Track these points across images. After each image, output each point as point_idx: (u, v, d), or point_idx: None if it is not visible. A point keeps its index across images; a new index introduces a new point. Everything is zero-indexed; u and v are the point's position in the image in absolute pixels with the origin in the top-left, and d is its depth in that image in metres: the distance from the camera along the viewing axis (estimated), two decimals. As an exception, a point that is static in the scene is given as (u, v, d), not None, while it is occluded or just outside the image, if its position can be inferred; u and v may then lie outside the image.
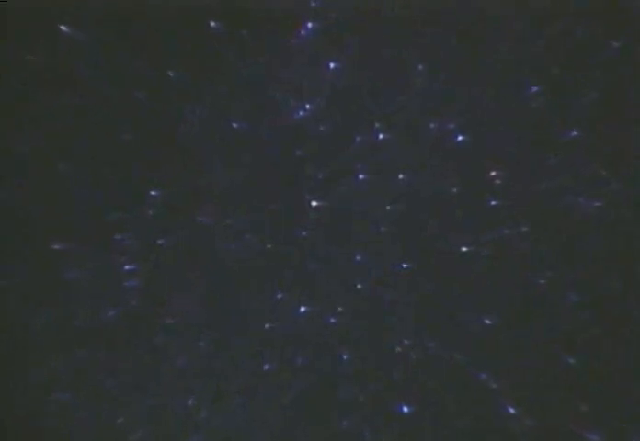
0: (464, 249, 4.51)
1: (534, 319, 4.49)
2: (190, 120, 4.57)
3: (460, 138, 4.47)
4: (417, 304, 4.58)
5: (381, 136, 4.51)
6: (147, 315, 4.66)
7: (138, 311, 4.64)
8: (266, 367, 4.57)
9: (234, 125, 4.55)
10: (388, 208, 4.54)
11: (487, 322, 4.51)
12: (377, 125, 4.50)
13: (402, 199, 4.55)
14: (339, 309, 4.55)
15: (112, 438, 4.56)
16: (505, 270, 4.50)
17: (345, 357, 4.51)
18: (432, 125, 4.49)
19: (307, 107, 4.50)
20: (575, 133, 4.40)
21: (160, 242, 4.61)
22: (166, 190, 4.61)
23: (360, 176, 4.54)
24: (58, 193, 4.57)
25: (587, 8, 4.31)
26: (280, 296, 4.57)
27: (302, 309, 4.54)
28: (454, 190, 4.52)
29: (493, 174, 4.49)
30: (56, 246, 4.55)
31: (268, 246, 4.58)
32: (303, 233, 4.55)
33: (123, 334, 4.65)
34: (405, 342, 4.53)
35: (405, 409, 4.45)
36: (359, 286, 4.55)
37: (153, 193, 4.59)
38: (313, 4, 4.29)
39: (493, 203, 4.50)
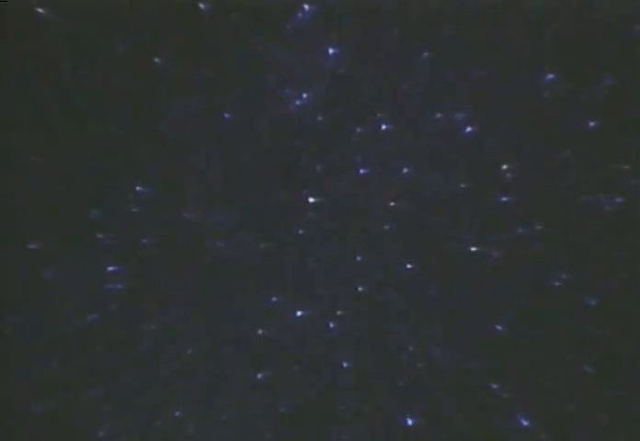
0: (473, 249, 4.36)
1: (549, 324, 4.36)
2: (178, 111, 4.37)
3: (468, 129, 4.30)
4: (423, 308, 4.43)
5: (383, 127, 4.34)
6: (131, 320, 4.49)
7: (121, 316, 4.46)
8: (259, 376, 4.43)
9: (226, 115, 4.37)
10: (391, 204, 4.38)
11: (498, 327, 4.38)
12: (379, 115, 4.33)
13: (406, 195, 4.39)
14: (339, 313, 4.42)
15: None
16: (517, 272, 4.36)
17: (345, 365, 4.39)
18: (439, 115, 4.32)
19: (304, 95, 4.32)
20: (593, 124, 4.24)
21: (144, 241, 4.43)
22: (152, 185, 4.42)
23: (361, 170, 4.38)
24: (35, 189, 4.41)
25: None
26: (274, 299, 4.43)
27: (299, 313, 4.40)
28: (462, 186, 4.36)
29: (504, 167, 4.32)
30: (33, 245, 4.41)
31: (262, 245, 4.42)
32: (300, 231, 4.40)
33: (104, 341, 4.47)
34: (410, 349, 4.41)
35: (410, 421, 4.34)
36: (359, 288, 4.42)
37: (137, 188, 4.40)
38: (310, -17, 4.17)
39: (504, 199, 4.34)
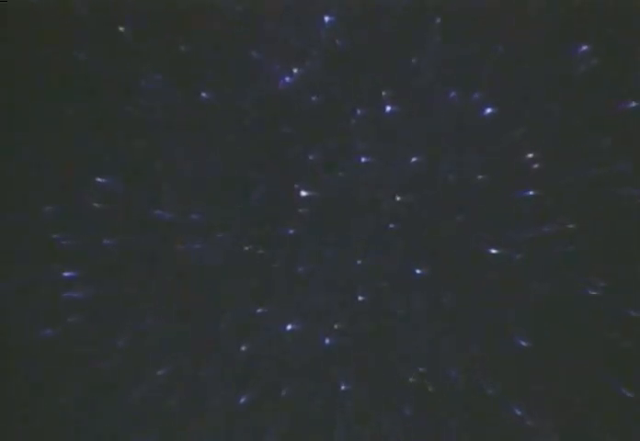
0: (493, 251, 4.10)
1: (583, 340, 4.05)
2: (147, 89, 4.11)
3: (488, 111, 4.05)
4: (435, 321, 4.14)
5: (388, 108, 4.09)
6: (92, 335, 4.18)
7: (80, 331, 4.17)
8: (242, 400, 4.13)
9: (203, 95, 4.10)
10: (397, 199, 4.14)
11: (523, 343, 4.07)
12: (383, 94, 4.08)
13: (414, 188, 4.14)
14: (336, 326, 4.15)
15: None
16: (545, 278, 4.07)
17: (343, 388, 4.11)
18: (453, 94, 4.06)
19: (295, 71, 4.08)
20: (634, 105, 3.98)
21: (107, 242, 4.14)
22: (116, 177, 4.14)
23: (363, 159, 4.13)
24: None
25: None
26: (260, 310, 4.15)
27: (289, 326, 4.15)
28: (480, 177, 4.10)
29: (529, 156, 4.05)
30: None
31: (246, 248, 4.16)
32: (291, 231, 4.15)
33: (62, 359, 4.17)
34: (420, 369, 4.11)
35: (420, 455, 4.05)
36: (360, 297, 4.15)
37: (99, 180, 4.11)
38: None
39: (530, 193, 4.08)
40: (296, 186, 4.13)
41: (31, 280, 4.17)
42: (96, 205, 4.14)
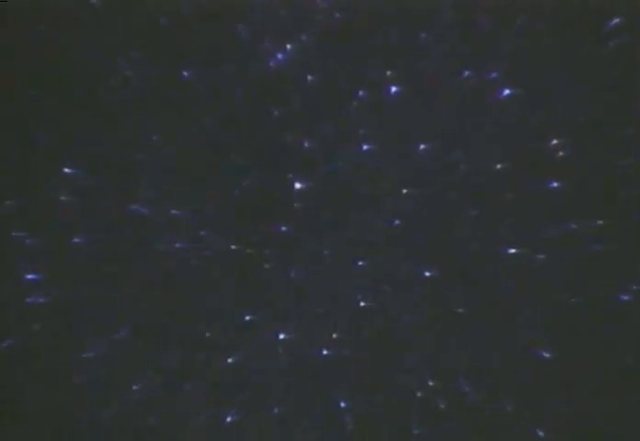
0: (512, 251, 3.90)
1: (613, 352, 3.82)
2: (121, 68, 3.85)
3: (506, 92, 3.85)
4: (447, 330, 3.95)
5: (393, 89, 3.89)
6: (59, 345, 3.95)
7: (45, 340, 3.94)
8: (228, 419, 3.92)
9: (184, 73, 3.87)
10: (403, 191, 3.96)
11: (546, 355, 3.85)
12: (388, 73, 3.86)
13: (423, 180, 3.96)
14: (335, 335, 3.99)
15: None
16: (571, 281, 3.87)
17: (343, 405, 3.93)
18: (467, 73, 3.85)
19: (288, 47, 3.87)
20: None
21: (76, 240, 3.92)
22: (86, 167, 3.94)
23: (364, 147, 3.96)
24: None
25: None
26: (249, 318, 3.98)
27: (282, 336, 3.98)
28: (498, 167, 3.89)
29: (554, 143, 3.86)
30: None
31: (233, 247, 3.98)
32: (283, 228, 3.97)
33: (25, 372, 3.95)
34: (430, 384, 3.91)
35: (430, 481, 3.90)
36: (362, 303, 3.99)
37: (65, 171, 3.89)
38: None
39: (554, 185, 3.88)
40: (289, 177, 3.96)
41: (-9, 284, 3.94)
42: (63, 199, 3.93)
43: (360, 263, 4.00)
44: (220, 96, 3.90)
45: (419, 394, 3.89)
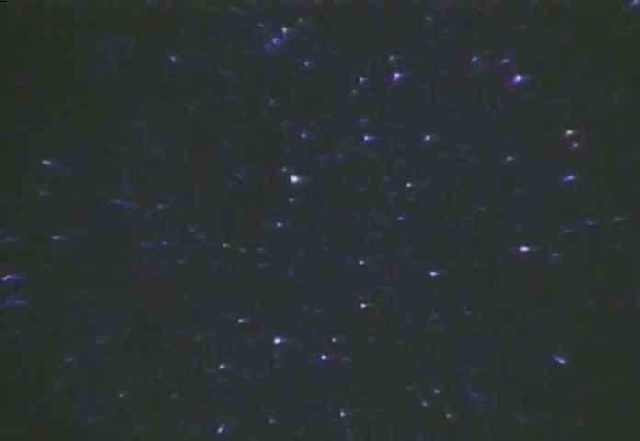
0: (524, 249, 3.80)
1: (635, 358, 3.68)
2: (105, 52, 3.74)
3: (518, 78, 3.74)
4: (454, 334, 3.84)
5: (397, 75, 3.80)
6: (38, 350, 3.82)
7: (23, 345, 3.82)
8: (220, 429, 3.81)
9: (173, 59, 3.76)
10: (408, 185, 3.88)
11: (560, 361, 3.74)
12: (391, 58, 3.77)
13: (428, 173, 3.87)
14: (334, 340, 3.90)
15: None
16: (588, 281, 3.76)
17: (343, 415, 3.83)
18: (475, 58, 3.73)
19: (284, 31, 3.76)
20: None
21: (56, 238, 3.81)
22: (67, 160, 3.83)
23: (366, 137, 3.87)
24: None
25: None
26: (242, 321, 3.88)
27: (277, 340, 3.89)
28: (509, 159, 3.79)
29: (569, 133, 3.75)
30: None
31: (225, 245, 3.89)
32: (279, 225, 3.89)
33: (1, 378, 3.81)
34: (436, 392, 3.80)
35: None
36: (363, 305, 3.90)
37: (45, 163, 3.78)
38: None
39: (569, 178, 3.77)
40: (285, 170, 3.85)
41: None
42: (42, 193, 3.80)
43: (362, 262, 3.91)
44: (210, 82, 3.79)
45: (425, 404, 3.79)
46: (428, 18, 3.66)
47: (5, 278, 3.77)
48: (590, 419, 3.65)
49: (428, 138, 3.82)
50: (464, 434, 3.73)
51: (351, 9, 3.69)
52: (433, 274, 3.83)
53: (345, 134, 3.83)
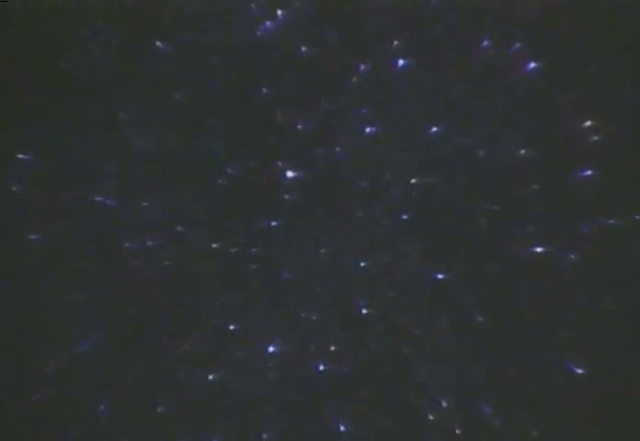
0: (539, 250, 3.70)
1: None
2: (87, 38, 3.64)
3: (531, 65, 3.65)
4: (462, 341, 3.71)
5: (401, 62, 3.72)
6: (15, 359, 3.69)
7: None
8: None
9: (158, 44, 3.68)
10: (412, 181, 3.78)
11: (578, 371, 3.60)
12: (395, 44, 3.70)
13: (434, 168, 3.76)
14: (332, 348, 3.78)
15: None
16: (607, 285, 3.63)
17: (343, 430, 3.69)
18: (485, 44, 3.66)
19: (279, 13, 3.69)
20: None
21: (32, 237, 3.72)
22: (44, 154, 3.75)
23: (367, 129, 3.78)
24: None
25: None
26: (233, 327, 3.77)
27: (271, 348, 3.77)
28: (522, 152, 3.70)
29: (587, 124, 3.66)
30: None
31: (215, 245, 3.79)
32: (274, 224, 3.80)
33: None
34: (444, 404, 3.67)
35: None
36: (364, 310, 3.79)
37: (20, 157, 3.70)
38: None
39: (587, 173, 3.68)
40: (280, 164, 3.75)
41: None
42: (14, 188, 3.71)
43: (363, 263, 3.82)
44: (199, 70, 3.69)
45: (431, 417, 3.63)
46: (434, 0, 3.56)
47: (-21, 281, 3.61)
48: (608, 434, 3.50)
49: (433, 130, 3.74)
50: (474, 449, 3.58)
51: (350, -11, 3.55)
52: (440, 277, 3.74)
53: (344, 126, 3.74)
